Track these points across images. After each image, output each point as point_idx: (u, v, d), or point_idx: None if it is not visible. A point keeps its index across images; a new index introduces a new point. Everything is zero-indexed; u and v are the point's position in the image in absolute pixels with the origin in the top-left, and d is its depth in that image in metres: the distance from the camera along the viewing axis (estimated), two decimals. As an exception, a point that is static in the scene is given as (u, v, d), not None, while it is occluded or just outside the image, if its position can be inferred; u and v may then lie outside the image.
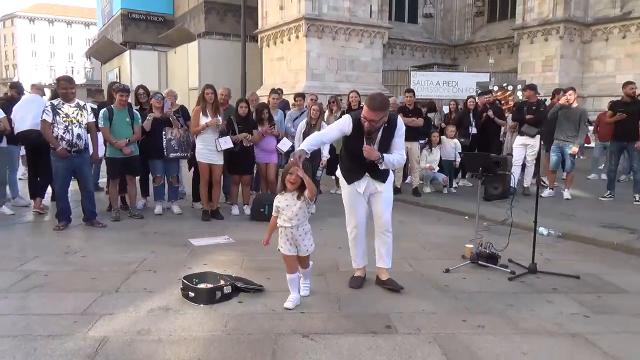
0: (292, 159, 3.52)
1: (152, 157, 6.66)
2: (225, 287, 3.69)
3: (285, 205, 3.59)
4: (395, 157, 3.83)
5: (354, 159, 3.90)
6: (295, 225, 3.60)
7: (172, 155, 6.61)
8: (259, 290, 3.84)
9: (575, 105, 7.93)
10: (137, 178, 6.87)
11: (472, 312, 3.57)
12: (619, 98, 8.22)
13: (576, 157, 8.13)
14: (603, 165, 10.34)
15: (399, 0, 25.07)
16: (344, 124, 3.82)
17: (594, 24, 20.20)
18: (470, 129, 9.23)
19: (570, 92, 7.90)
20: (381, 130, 3.77)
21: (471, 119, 9.29)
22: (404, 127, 3.88)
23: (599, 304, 3.76)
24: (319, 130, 6.89)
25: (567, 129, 7.84)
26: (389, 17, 22.77)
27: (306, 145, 3.70)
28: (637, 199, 7.66)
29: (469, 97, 9.75)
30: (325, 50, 19.88)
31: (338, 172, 4.16)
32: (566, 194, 8.02)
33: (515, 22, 21.49)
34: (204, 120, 6.30)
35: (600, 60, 20.24)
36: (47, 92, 8.35)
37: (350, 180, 3.98)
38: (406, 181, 8.87)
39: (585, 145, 14.84)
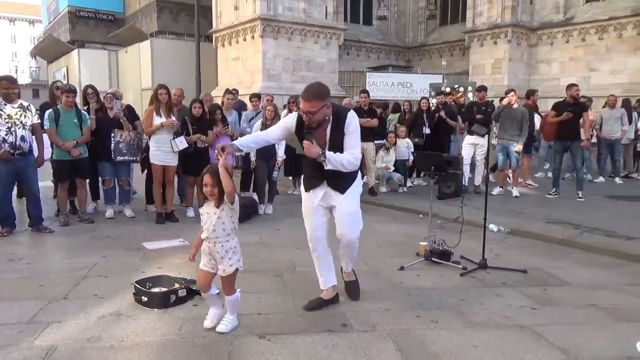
0: (216, 151, 3.20)
1: (101, 160, 6.46)
2: (179, 291, 3.63)
3: (206, 213, 3.12)
4: (344, 156, 3.33)
5: (309, 162, 3.49)
6: (212, 239, 3.08)
7: (119, 158, 6.43)
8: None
9: (516, 106, 8.27)
10: (87, 181, 6.65)
11: (425, 307, 3.65)
12: (563, 99, 8.60)
13: (521, 155, 8.46)
14: (548, 164, 10.79)
15: (353, 2, 25.30)
16: (287, 121, 3.51)
17: (540, 29, 21.03)
18: (423, 129, 9.43)
19: (512, 93, 8.24)
20: (329, 127, 3.40)
21: (424, 120, 9.50)
22: (356, 124, 3.40)
23: (545, 297, 3.93)
24: None
25: (510, 128, 8.16)
26: (345, 18, 22.94)
27: (241, 141, 3.44)
28: (580, 195, 8.03)
29: (422, 98, 9.97)
30: (281, 50, 19.82)
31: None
32: (515, 191, 8.32)
33: (466, 26, 22.10)
34: (157, 120, 6.18)
35: (545, 63, 21.09)
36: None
37: (307, 187, 3.60)
38: (363, 181, 8.95)
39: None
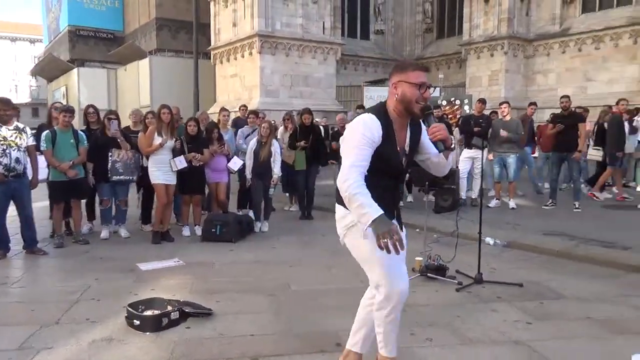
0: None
1: (99, 180, 6.47)
2: (172, 313, 3.61)
3: None
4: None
5: (387, 183, 2.50)
6: None
7: (115, 178, 6.42)
8: (208, 314, 3.77)
9: (508, 117, 8.29)
10: (83, 201, 6.66)
11: (420, 325, 3.62)
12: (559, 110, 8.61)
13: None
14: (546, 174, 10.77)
15: (351, 17, 25.53)
16: (371, 132, 2.35)
17: (536, 40, 21.17)
18: None
19: (504, 105, 8.27)
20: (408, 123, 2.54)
21: None
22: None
23: (541, 311, 3.90)
24: (269, 148, 6.89)
25: (505, 140, 8.16)
26: (342, 33, 23.13)
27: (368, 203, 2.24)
28: (577, 206, 8.01)
29: None
30: (279, 66, 19.96)
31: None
32: (511, 203, 8.31)
33: (463, 39, 22.25)
34: (157, 140, 6.19)
35: (542, 74, 21.19)
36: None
37: None
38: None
39: (533, 155, 15.43)
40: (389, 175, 2.52)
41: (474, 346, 3.27)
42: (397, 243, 2.19)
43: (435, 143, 2.50)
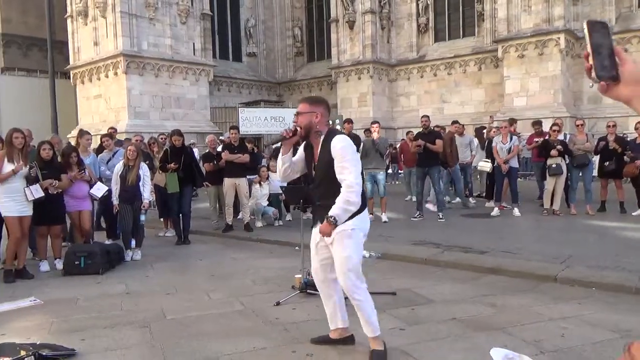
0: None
1: None
2: (26, 359, 3.19)
3: None
4: (341, 197, 3.02)
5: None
6: None
7: None
8: (70, 355, 3.40)
9: (376, 136, 8.82)
10: None
11: (301, 341, 3.62)
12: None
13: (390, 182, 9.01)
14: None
15: (222, 39, 25.44)
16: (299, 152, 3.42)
17: (397, 65, 22.93)
18: None
19: (375, 125, 8.78)
20: (320, 146, 3.19)
21: None
22: (344, 146, 3.07)
23: (413, 316, 4.12)
24: (137, 171, 6.53)
25: (374, 158, 8.64)
26: (213, 55, 22.95)
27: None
28: (441, 216, 8.71)
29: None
30: (148, 87, 19.18)
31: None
32: (383, 217, 8.77)
33: (332, 62, 23.34)
34: (8, 167, 5.51)
35: (405, 96, 22.96)
36: None
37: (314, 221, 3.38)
38: (238, 217, 8.84)
39: (400, 171, 16.52)
40: None
41: (353, 356, 3.34)
42: None
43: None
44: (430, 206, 9.68)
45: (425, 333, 3.74)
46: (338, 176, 3.03)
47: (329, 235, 3.06)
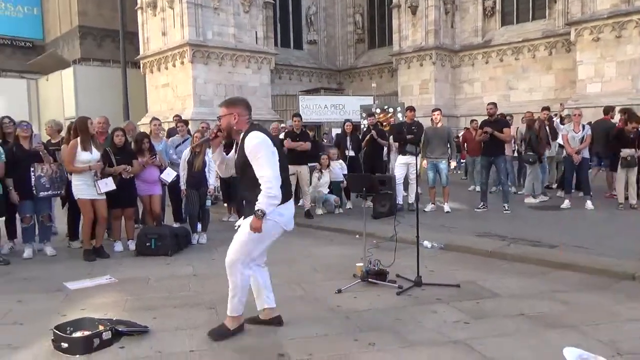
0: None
1: (22, 197, 6.00)
2: (104, 333, 3.39)
3: None
4: (263, 193, 3.23)
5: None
6: None
7: (42, 194, 6.01)
8: (144, 332, 3.58)
9: (440, 124, 8.60)
10: (1, 219, 6.18)
11: (363, 330, 3.63)
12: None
13: (451, 171, 8.79)
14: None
15: (284, 28, 25.62)
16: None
17: (461, 51, 22.19)
18: (347, 152, 9.52)
19: (437, 112, 8.56)
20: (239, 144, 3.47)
21: (348, 143, 9.61)
22: (255, 145, 3.26)
23: (477, 310, 4.02)
24: (203, 157, 6.74)
25: (437, 147, 8.45)
26: (275, 43, 23.15)
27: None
28: (507, 208, 8.41)
29: (346, 121, 10.07)
30: (212, 76, 19.65)
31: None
32: (446, 207, 8.59)
33: (393, 49, 22.93)
34: (82, 155, 5.82)
35: (468, 83, 22.22)
36: None
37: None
38: (298, 204, 8.93)
39: (462, 161, 16.12)
40: None
41: (415, 348, 3.31)
42: None
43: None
44: (532, 200, 9.32)
45: (491, 328, 3.64)
46: (257, 174, 3.24)
47: (260, 229, 3.23)
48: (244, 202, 3.62)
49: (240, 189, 3.51)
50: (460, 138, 13.59)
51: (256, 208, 3.19)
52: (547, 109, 10.48)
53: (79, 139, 5.87)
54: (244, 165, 3.35)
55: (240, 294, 3.45)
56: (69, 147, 5.87)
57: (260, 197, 3.21)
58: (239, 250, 3.41)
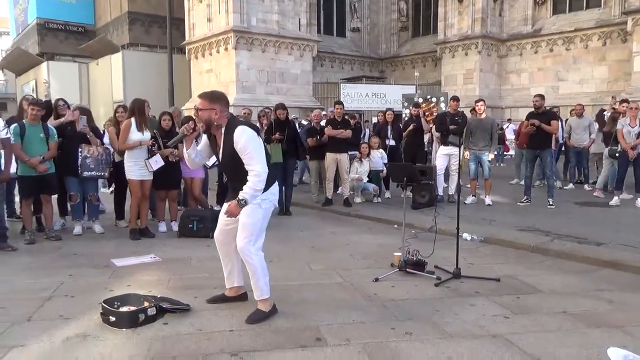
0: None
1: (67, 175, 6.29)
2: (149, 309, 3.53)
3: None
4: (249, 184, 3.33)
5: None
6: None
7: (86, 174, 6.25)
8: (186, 310, 3.70)
9: (484, 115, 8.39)
10: (55, 197, 6.47)
11: (400, 319, 3.63)
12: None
13: (494, 164, 8.59)
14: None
15: (327, 15, 25.53)
16: None
17: (509, 40, 21.55)
18: (387, 142, 9.45)
19: (480, 103, 8.35)
20: (222, 136, 3.47)
21: (388, 132, 9.54)
22: (245, 139, 3.34)
23: (518, 305, 3.95)
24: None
25: (480, 138, 8.26)
26: (318, 30, 23.12)
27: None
28: (551, 202, 8.17)
29: (387, 110, 9.97)
30: (255, 62, 19.83)
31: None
32: (487, 200, 8.42)
33: (438, 37, 22.50)
34: (134, 135, 6.05)
35: (515, 73, 21.59)
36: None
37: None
38: (337, 192, 8.96)
39: (505, 153, 15.73)
40: None
41: (453, 340, 3.28)
42: None
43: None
44: (599, 193, 9.10)
45: (532, 324, 3.57)
46: (246, 166, 3.35)
47: (236, 216, 3.41)
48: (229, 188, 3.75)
49: (230, 179, 3.67)
50: (506, 131, 13.23)
51: (240, 197, 3.32)
52: (625, 101, 9.84)
53: (132, 119, 6.09)
54: (231, 157, 3.42)
55: (262, 275, 3.57)
56: (123, 126, 6.12)
57: (246, 187, 3.33)
58: (247, 235, 3.50)
